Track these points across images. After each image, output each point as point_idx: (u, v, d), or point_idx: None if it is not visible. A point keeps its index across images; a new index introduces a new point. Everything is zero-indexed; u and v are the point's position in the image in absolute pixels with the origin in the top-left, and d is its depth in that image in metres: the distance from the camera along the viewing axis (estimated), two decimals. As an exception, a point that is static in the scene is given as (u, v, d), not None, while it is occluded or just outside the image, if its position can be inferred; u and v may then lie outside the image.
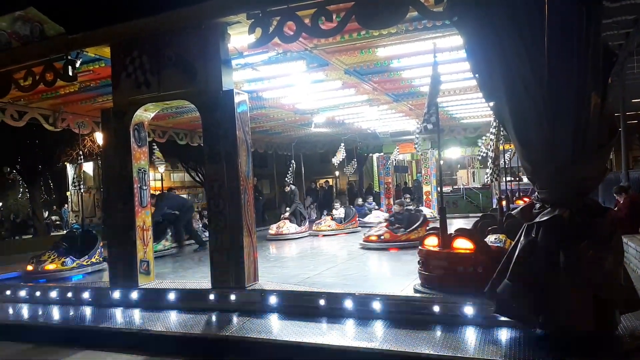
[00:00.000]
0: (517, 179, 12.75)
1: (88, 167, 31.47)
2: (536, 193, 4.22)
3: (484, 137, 10.50)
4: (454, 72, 7.96)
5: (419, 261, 5.20)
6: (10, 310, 6.41)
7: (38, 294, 6.63)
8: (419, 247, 5.26)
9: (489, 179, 6.98)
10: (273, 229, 12.04)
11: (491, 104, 4.35)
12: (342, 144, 14.67)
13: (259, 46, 5.43)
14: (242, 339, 4.71)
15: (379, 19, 4.75)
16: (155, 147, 11.43)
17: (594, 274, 3.74)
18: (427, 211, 14.88)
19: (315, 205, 19.42)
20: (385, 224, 9.83)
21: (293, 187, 13.24)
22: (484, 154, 9.35)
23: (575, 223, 3.86)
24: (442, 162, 6.38)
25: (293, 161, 13.82)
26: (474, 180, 23.11)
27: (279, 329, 4.85)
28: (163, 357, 4.86)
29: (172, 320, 5.38)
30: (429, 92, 5.41)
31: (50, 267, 7.65)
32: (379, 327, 4.60)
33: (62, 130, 9.98)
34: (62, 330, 5.66)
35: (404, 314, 4.72)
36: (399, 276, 6.39)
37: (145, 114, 6.34)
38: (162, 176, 13.76)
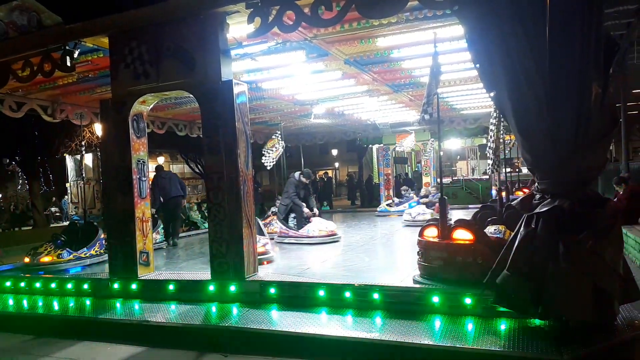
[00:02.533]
0: (517, 170, 12.74)
1: (87, 159, 31.48)
2: (536, 184, 4.22)
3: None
4: (454, 62, 7.91)
5: (418, 252, 5.20)
6: (10, 302, 6.43)
7: (37, 285, 6.63)
8: (418, 238, 5.26)
9: (490, 169, 6.97)
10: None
11: (492, 94, 4.33)
12: (278, 132, 10.75)
13: (258, 36, 5.38)
14: (242, 329, 4.72)
15: (380, 8, 4.70)
16: None
17: (594, 264, 3.74)
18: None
19: (315, 196, 19.43)
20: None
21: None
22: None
23: (575, 214, 3.86)
24: (442, 153, 6.36)
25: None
26: (473, 172, 23.10)
27: (278, 319, 4.86)
28: (163, 348, 4.88)
29: (172, 312, 5.39)
30: (428, 82, 5.39)
31: (46, 259, 7.64)
32: (378, 318, 4.62)
33: (61, 121, 9.93)
34: (61, 322, 5.67)
35: (403, 304, 4.73)
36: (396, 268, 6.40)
37: (144, 104, 6.31)
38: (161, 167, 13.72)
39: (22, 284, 6.75)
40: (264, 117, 13.12)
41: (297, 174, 9.83)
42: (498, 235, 5.12)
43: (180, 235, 11.50)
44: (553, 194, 3.99)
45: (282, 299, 5.26)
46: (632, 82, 10.91)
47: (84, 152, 10.39)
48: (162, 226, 10.00)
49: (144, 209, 6.25)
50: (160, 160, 28.31)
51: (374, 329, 4.39)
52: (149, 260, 6.26)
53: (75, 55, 6.21)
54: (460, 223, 5.03)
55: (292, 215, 9.73)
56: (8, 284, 6.85)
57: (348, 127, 16.01)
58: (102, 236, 8.26)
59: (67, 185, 33.70)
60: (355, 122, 14.86)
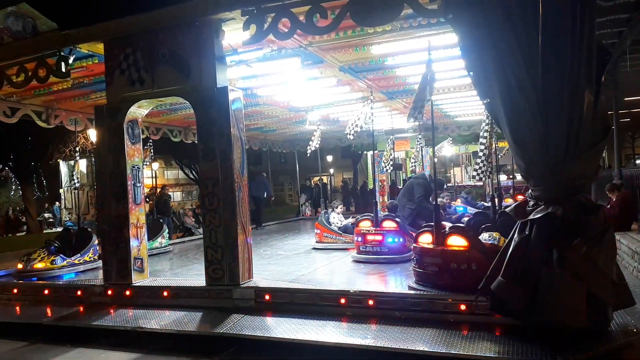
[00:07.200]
0: (512, 176, 12.77)
1: (81, 165, 31.36)
2: (530, 190, 4.25)
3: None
4: (448, 70, 7.96)
5: (413, 258, 5.21)
6: (3, 308, 6.37)
7: (31, 291, 6.58)
8: (413, 244, 5.27)
9: (477, 177, 6.94)
10: None
11: (485, 101, 4.36)
12: (319, 124, 11.35)
13: (253, 43, 5.41)
14: (237, 336, 4.71)
15: (374, 16, 4.74)
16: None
17: (587, 270, 3.76)
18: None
19: (309, 202, 19.45)
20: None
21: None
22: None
23: (569, 220, 3.88)
24: (436, 159, 6.38)
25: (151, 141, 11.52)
26: (469, 178, 23.15)
27: (273, 326, 4.85)
28: (157, 355, 4.86)
29: (166, 318, 5.37)
30: (418, 88, 5.41)
31: (39, 265, 7.59)
32: (373, 324, 4.61)
33: (55, 127, 9.90)
34: (55, 328, 5.63)
35: (398, 311, 4.73)
36: (393, 274, 6.41)
37: (139, 110, 6.31)
38: (155, 173, 13.71)
39: (15, 290, 6.70)
40: (259, 124, 13.14)
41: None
42: (492, 242, 5.14)
43: (175, 241, 11.65)
44: (546, 200, 4.02)
45: (277, 306, 5.25)
46: (624, 90, 11.01)
47: (77, 157, 10.35)
48: (167, 231, 10.60)
49: (138, 215, 6.23)
50: (155, 166, 28.30)
51: (369, 335, 4.39)
52: (144, 266, 6.24)
53: (70, 61, 6.22)
54: (455, 229, 5.05)
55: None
56: (1, 290, 6.80)
57: (343, 134, 16.02)
58: (96, 242, 8.23)
59: (61, 190, 33.54)
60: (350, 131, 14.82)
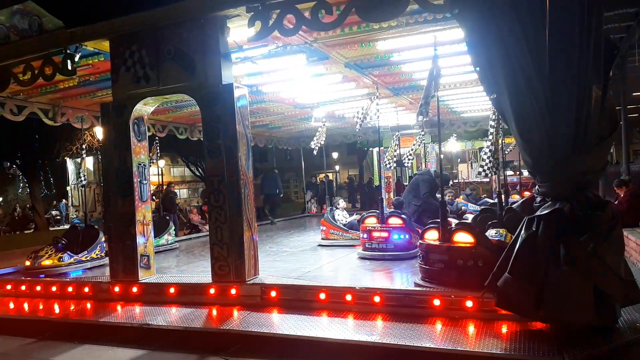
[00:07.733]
0: (518, 172, 12.69)
1: (88, 162, 31.51)
2: (536, 187, 4.22)
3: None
4: (454, 66, 7.92)
5: (419, 255, 5.20)
6: (11, 305, 6.42)
7: (39, 288, 6.63)
8: (420, 241, 5.25)
9: (483, 173, 6.88)
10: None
11: (492, 97, 4.34)
12: (324, 121, 11.25)
13: (258, 39, 5.40)
14: (243, 332, 4.72)
15: (380, 12, 4.72)
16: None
17: (595, 267, 3.74)
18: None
19: (315, 199, 19.44)
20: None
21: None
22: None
23: (576, 216, 3.86)
24: (442, 156, 6.35)
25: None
26: (475, 175, 23.04)
27: (279, 322, 4.85)
28: (163, 352, 4.88)
29: (173, 315, 5.39)
30: (426, 84, 5.39)
31: (47, 262, 7.61)
32: (379, 321, 4.61)
33: (62, 124, 9.95)
34: (62, 325, 5.67)
35: (404, 307, 4.73)
36: (399, 271, 6.40)
37: (144, 108, 6.32)
38: (161, 171, 13.74)
39: (23, 287, 6.75)
40: (265, 121, 13.14)
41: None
42: (499, 238, 5.12)
43: (181, 238, 11.71)
44: (553, 196, 4.00)
45: (283, 302, 5.26)
46: (632, 85, 10.90)
47: (84, 155, 10.42)
48: (173, 228, 10.60)
49: (144, 212, 6.25)
50: (161, 163, 28.37)
51: (375, 332, 4.38)
52: (150, 263, 6.26)
53: (76, 58, 6.23)
54: (461, 226, 5.03)
55: None
56: (9, 287, 6.85)
57: (348, 130, 16.02)
58: (103, 239, 8.27)
59: (68, 188, 33.72)
60: (355, 124, 14.81)
